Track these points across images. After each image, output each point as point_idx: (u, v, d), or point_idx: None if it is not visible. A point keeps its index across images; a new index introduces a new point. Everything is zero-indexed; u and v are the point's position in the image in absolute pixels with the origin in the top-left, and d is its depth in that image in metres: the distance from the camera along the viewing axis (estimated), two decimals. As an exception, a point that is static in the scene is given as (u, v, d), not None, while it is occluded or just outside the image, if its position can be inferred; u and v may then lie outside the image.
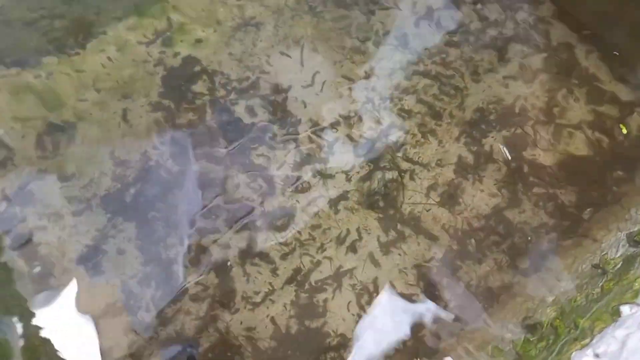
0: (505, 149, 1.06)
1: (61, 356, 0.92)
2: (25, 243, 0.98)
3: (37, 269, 0.96)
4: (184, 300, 0.97)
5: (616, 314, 0.85)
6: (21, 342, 0.92)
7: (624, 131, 1.07)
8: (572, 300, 0.91)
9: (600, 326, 0.84)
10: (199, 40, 1.14)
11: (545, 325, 0.90)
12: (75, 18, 1.14)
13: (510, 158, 1.05)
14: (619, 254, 0.94)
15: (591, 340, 0.83)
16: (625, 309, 0.84)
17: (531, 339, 0.89)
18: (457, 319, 0.96)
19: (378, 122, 1.10)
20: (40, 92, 1.08)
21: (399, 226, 1.02)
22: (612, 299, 0.87)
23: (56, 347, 0.93)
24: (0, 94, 1.07)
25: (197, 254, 1.00)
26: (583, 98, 1.11)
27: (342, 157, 1.08)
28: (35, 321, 0.93)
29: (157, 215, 1.02)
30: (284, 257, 1.00)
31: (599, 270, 0.94)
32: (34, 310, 0.94)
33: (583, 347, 0.85)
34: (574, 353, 0.85)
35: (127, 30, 1.14)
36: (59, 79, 1.08)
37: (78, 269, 0.97)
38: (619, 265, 0.92)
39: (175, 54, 1.13)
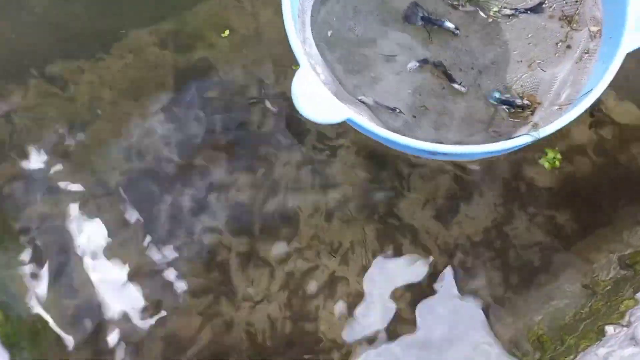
0: None
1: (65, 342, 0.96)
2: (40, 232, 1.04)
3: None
4: (185, 296, 1.00)
5: (601, 333, 0.86)
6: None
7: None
8: (561, 319, 0.93)
9: (585, 344, 0.86)
10: (211, 46, 1.17)
11: (532, 340, 0.92)
12: (101, 24, 1.19)
13: None
14: (609, 277, 0.96)
15: (575, 357, 0.84)
16: (609, 329, 0.86)
17: (516, 354, 0.91)
18: (447, 332, 0.98)
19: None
20: (65, 97, 1.14)
21: (396, 238, 1.04)
22: (598, 319, 0.89)
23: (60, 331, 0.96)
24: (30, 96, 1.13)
25: (199, 251, 1.02)
26: (587, 121, 1.12)
27: (344, 164, 1.10)
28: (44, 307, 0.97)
29: (163, 211, 1.06)
30: (282, 261, 1.02)
31: (589, 291, 0.96)
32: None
33: (566, 363, 0.87)
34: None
35: (146, 35, 1.17)
36: (83, 86, 1.14)
37: (88, 259, 1.02)
38: (608, 287, 0.94)
39: (188, 59, 1.15)
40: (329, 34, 0.95)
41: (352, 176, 1.09)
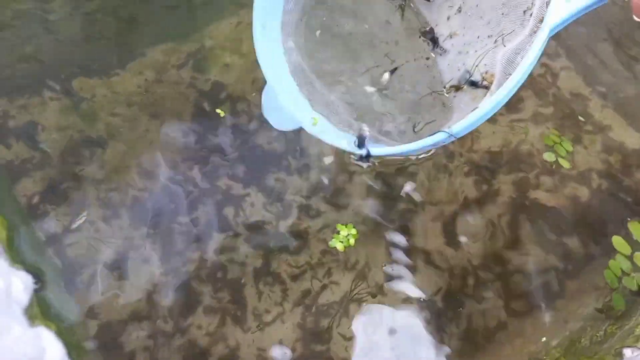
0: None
1: None
2: (59, 243, 1.04)
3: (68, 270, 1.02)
4: (197, 314, 1.00)
5: (618, 355, 0.88)
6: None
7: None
8: (577, 342, 0.95)
9: (603, 366, 0.88)
10: (226, 65, 1.20)
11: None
12: (118, 40, 1.22)
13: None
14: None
15: (594, 379, 0.86)
16: (627, 352, 0.87)
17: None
18: (458, 353, 0.99)
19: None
20: (82, 110, 1.17)
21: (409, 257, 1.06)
22: (615, 342, 0.90)
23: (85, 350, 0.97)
24: (50, 111, 1.17)
25: (213, 269, 1.03)
26: (591, 145, 1.15)
27: (357, 185, 1.12)
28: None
29: (179, 229, 1.07)
30: (294, 279, 1.03)
31: (603, 315, 0.98)
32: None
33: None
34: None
35: (163, 53, 1.21)
36: (99, 100, 1.17)
37: (105, 274, 1.02)
38: (620, 313, 0.96)
39: (206, 80, 1.19)
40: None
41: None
